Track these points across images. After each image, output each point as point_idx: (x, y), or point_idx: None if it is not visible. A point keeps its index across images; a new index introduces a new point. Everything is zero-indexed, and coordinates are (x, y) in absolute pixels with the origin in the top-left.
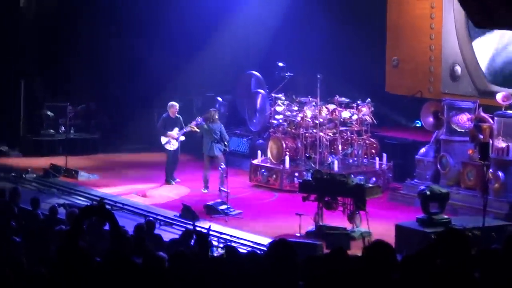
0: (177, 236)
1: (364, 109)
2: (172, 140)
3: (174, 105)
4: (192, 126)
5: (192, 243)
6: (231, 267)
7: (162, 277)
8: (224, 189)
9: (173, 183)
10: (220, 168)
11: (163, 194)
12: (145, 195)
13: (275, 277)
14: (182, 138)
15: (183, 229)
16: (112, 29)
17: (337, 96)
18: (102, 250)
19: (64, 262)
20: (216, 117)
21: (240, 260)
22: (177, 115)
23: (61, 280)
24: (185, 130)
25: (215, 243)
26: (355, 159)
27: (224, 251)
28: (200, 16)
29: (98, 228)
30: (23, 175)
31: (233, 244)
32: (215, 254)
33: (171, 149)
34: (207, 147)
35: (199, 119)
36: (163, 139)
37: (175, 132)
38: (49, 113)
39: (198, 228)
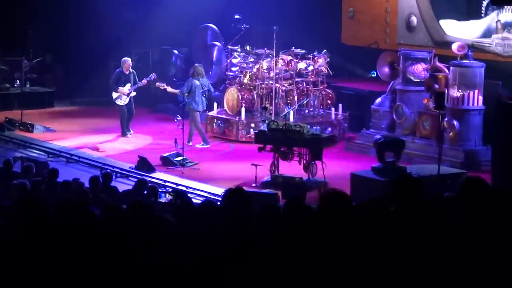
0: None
1: (320, 60)
2: (122, 96)
3: (127, 60)
4: (144, 82)
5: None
6: (184, 213)
7: (120, 226)
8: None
9: (129, 135)
10: (176, 120)
11: (120, 147)
12: (98, 149)
13: (230, 225)
14: (133, 93)
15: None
16: None
17: (293, 47)
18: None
19: (24, 213)
20: (203, 72)
21: (192, 207)
22: (131, 69)
23: (21, 231)
24: (136, 86)
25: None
26: (311, 109)
27: (172, 196)
28: None
29: (51, 182)
30: None
31: (190, 196)
32: (162, 200)
33: (122, 104)
34: (199, 102)
35: (153, 75)
36: (114, 94)
37: (127, 88)
38: (3, 67)
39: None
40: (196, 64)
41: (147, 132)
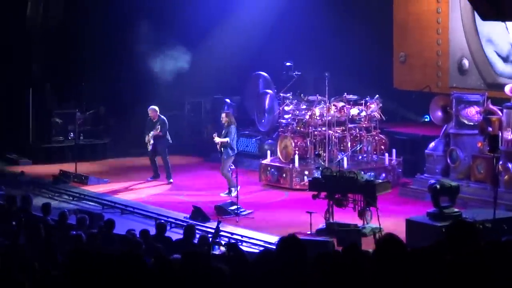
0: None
1: (373, 106)
2: (148, 143)
3: (151, 108)
4: (154, 133)
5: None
6: (238, 264)
7: (172, 277)
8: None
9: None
10: (229, 169)
11: (175, 197)
12: (153, 198)
13: (285, 273)
14: (151, 140)
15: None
16: (119, 36)
17: (346, 93)
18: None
19: (77, 265)
20: None
21: (244, 257)
22: (159, 117)
23: (74, 282)
24: (152, 133)
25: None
26: (365, 155)
27: (226, 249)
28: (204, 18)
29: (108, 233)
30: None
31: (245, 244)
32: (216, 252)
33: (148, 150)
34: (235, 148)
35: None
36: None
37: (150, 135)
38: (58, 120)
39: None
40: (229, 111)
41: (201, 181)
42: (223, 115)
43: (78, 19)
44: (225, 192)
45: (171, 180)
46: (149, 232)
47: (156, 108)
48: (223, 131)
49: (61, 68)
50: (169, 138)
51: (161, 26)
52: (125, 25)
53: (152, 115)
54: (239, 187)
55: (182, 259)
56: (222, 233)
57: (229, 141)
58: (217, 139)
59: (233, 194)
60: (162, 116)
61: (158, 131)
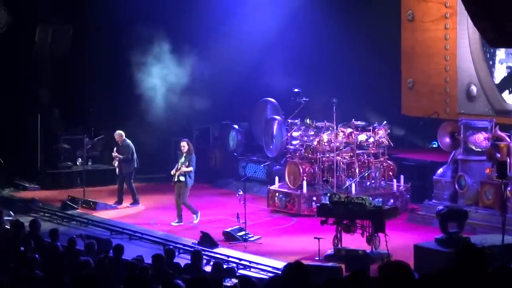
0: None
1: (381, 132)
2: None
3: (117, 133)
4: (114, 154)
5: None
6: None
7: None
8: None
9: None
10: (237, 195)
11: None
12: (161, 224)
13: None
14: (116, 163)
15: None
16: (125, 63)
17: (353, 119)
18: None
19: None
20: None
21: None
22: (124, 141)
23: None
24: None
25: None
26: (373, 181)
27: (237, 281)
28: (212, 43)
29: (117, 258)
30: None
31: (253, 270)
32: (228, 284)
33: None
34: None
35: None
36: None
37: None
38: (66, 146)
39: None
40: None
41: (210, 207)
42: (184, 143)
43: (85, 48)
44: (176, 221)
45: (138, 204)
46: (163, 257)
47: (122, 132)
48: (183, 159)
49: (68, 95)
50: (136, 162)
51: (167, 55)
52: (129, 54)
53: (118, 139)
54: (199, 213)
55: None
56: (230, 258)
57: (193, 170)
58: (184, 169)
59: (196, 221)
60: (128, 140)
61: (118, 153)
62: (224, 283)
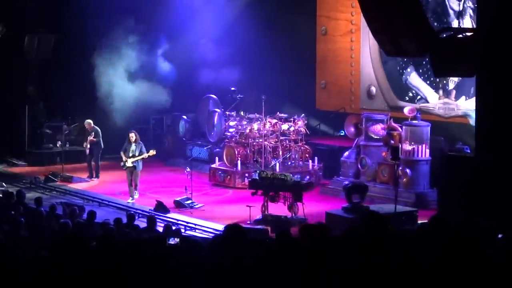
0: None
1: (300, 122)
2: (85, 148)
3: (86, 122)
4: (89, 139)
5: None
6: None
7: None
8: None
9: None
10: (185, 171)
11: (140, 193)
12: (123, 195)
13: (231, 253)
14: (88, 146)
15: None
16: (97, 62)
17: (278, 112)
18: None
19: (63, 246)
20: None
21: (194, 244)
22: (95, 127)
23: (61, 261)
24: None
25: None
26: (293, 161)
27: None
28: (172, 41)
29: (91, 221)
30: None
31: (197, 231)
32: (171, 242)
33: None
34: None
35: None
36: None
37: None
38: (48, 131)
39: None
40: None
41: (162, 180)
42: (133, 134)
43: (63, 53)
44: (131, 198)
45: (98, 177)
46: (121, 220)
47: (90, 121)
48: (133, 147)
49: (50, 90)
50: (102, 144)
51: (130, 56)
52: (97, 57)
53: (87, 127)
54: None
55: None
56: (180, 222)
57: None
58: (147, 154)
59: (136, 196)
60: (96, 127)
61: (93, 137)
62: (168, 242)
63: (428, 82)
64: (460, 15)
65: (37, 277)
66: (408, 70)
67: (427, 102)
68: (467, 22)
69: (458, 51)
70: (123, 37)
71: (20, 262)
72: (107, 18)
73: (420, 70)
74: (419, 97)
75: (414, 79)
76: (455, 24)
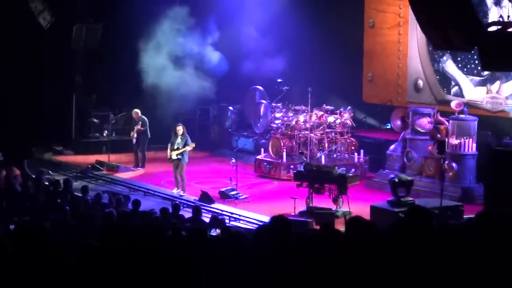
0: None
1: (346, 115)
2: (132, 137)
3: (134, 111)
4: (136, 128)
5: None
6: (230, 242)
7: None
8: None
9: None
10: (231, 162)
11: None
12: (170, 184)
13: (273, 247)
14: (135, 135)
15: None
16: (144, 51)
17: (324, 104)
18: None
19: (108, 235)
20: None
21: (237, 237)
22: (142, 117)
23: (107, 250)
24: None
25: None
26: (338, 154)
27: (220, 231)
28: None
29: (135, 210)
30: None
31: (242, 222)
32: (213, 234)
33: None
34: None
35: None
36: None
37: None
38: (95, 120)
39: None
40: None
41: (207, 171)
42: (180, 127)
43: (112, 42)
44: (182, 191)
45: (144, 167)
46: (168, 210)
47: (138, 110)
48: (179, 140)
49: (98, 80)
50: (149, 134)
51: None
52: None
53: (135, 116)
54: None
55: (188, 233)
56: (224, 212)
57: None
58: (189, 147)
59: (175, 191)
60: (143, 116)
61: (140, 126)
62: (209, 233)
63: (465, 70)
64: (497, 2)
65: (84, 265)
66: (444, 58)
67: (461, 90)
68: (506, 11)
69: (507, 44)
70: (172, 24)
71: (66, 250)
72: (156, 5)
73: (458, 58)
74: (453, 83)
75: (449, 66)
76: (493, 11)
